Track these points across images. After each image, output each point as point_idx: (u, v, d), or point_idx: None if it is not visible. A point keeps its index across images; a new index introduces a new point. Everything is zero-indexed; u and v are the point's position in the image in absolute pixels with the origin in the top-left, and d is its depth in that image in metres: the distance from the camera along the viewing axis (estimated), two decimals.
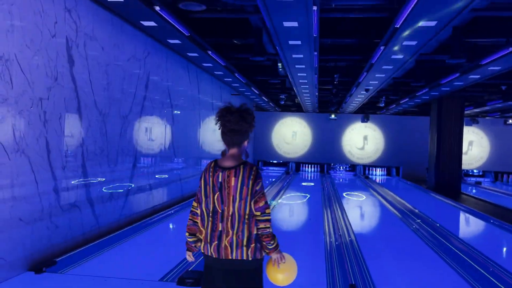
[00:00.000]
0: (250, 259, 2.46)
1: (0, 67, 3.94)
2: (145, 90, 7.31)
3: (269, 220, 2.51)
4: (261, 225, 2.48)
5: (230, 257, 2.45)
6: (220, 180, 2.49)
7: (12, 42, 4.08)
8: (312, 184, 15.83)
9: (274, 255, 2.55)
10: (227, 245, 2.45)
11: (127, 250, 5.43)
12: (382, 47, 7.49)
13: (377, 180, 18.12)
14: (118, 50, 6.30)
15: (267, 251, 2.55)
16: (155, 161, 8.10)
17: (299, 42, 7.08)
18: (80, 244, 5.33)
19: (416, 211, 9.59)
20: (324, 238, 6.59)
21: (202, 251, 2.57)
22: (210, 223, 2.52)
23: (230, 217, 2.47)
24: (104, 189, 6.06)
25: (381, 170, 20.58)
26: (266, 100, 16.92)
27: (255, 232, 2.49)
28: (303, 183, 15.76)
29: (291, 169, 20.78)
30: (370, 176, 19.74)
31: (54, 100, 4.78)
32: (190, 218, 2.67)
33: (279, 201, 10.54)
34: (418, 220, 8.40)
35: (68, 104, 5.06)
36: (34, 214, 4.50)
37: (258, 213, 2.48)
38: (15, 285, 4.01)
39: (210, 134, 12.38)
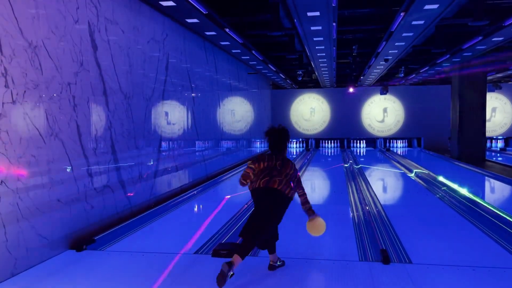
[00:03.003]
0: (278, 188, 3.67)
1: (30, 54, 4.05)
2: (166, 73, 7.38)
3: (306, 194, 3.94)
4: (304, 197, 3.90)
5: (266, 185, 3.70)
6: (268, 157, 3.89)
7: (39, 29, 4.18)
8: (333, 159, 15.81)
9: (313, 215, 3.85)
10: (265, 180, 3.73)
11: (159, 227, 5.60)
12: (402, 14, 7.34)
13: (399, 152, 17.98)
14: (138, 33, 6.36)
15: (310, 211, 3.86)
16: (179, 143, 8.23)
17: (317, 13, 6.99)
18: (115, 223, 5.52)
19: (441, 179, 9.53)
20: (350, 209, 6.65)
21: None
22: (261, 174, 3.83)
23: (274, 172, 3.77)
24: (133, 170, 6.22)
25: (402, 142, 20.37)
26: (283, 77, 16.82)
27: (286, 181, 3.71)
28: (324, 159, 15.76)
29: (311, 145, 20.76)
30: (392, 149, 19.59)
31: (82, 85, 4.89)
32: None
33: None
34: (444, 188, 8.37)
35: (94, 88, 5.17)
36: (71, 196, 4.67)
37: (301, 191, 3.89)
38: (59, 262, 4.20)
39: (229, 115, 12.44)
